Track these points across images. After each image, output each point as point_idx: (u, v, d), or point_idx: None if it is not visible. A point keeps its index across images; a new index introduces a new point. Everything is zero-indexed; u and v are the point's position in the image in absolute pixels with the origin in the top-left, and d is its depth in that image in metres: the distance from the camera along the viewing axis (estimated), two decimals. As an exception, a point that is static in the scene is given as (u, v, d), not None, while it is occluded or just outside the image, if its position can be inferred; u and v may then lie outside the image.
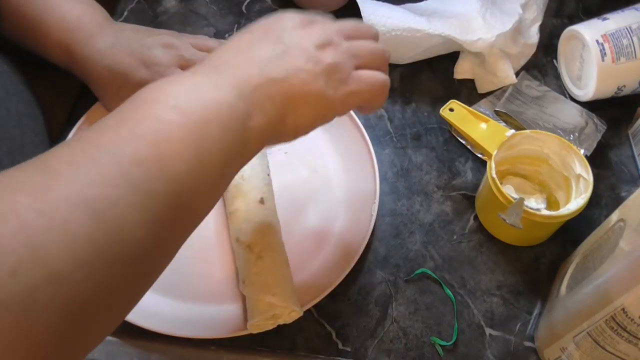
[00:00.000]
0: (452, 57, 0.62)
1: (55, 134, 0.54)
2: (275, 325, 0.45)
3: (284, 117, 0.35)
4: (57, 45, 0.51)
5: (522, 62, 0.63)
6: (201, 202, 0.32)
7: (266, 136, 0.35)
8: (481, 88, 0.61)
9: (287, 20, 0.38)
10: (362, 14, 0.58)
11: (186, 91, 0.32)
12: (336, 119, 0.59)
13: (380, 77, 0.39)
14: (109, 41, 0.51)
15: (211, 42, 0.55)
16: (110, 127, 0.29)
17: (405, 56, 0.60)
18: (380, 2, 0.61)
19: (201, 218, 0.33)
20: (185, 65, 0.52)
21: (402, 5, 0.62)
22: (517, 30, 0.60)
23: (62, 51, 0.51)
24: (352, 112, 0.56)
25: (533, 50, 0.63)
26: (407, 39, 0.58)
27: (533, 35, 0.62)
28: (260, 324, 0.45)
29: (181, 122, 0.30)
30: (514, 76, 0.60)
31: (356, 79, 0.37)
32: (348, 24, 0.40)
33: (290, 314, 0.45)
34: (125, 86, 0.51)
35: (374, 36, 0.41)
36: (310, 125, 0.37)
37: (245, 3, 0.67)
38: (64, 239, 0.25)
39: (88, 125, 0.54)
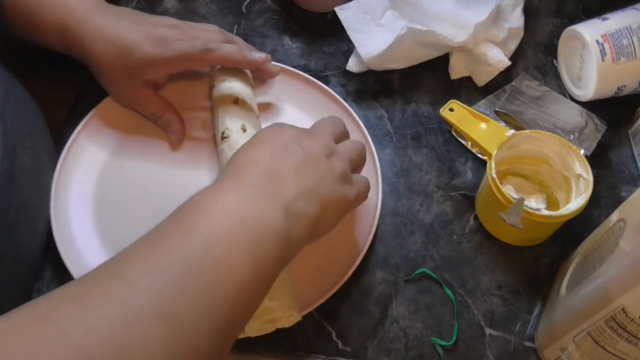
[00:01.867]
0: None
1: (56, 134, 0.54)
2: (274, 329, 0.45)
3: (320, 219, 0.39)
4: (53, 25, 0.50)
5: (512, 47, 0.63)
6: (252, 306, 0.35)
7: (304, 242, 0.39)
8: (480, 81, 0.61)
9: (291, 131, 0.42)
10: (357, 49, 0.59)
11: (238, 203, 0.35)
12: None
13: (367, 180, 0.46)
14: (111, 18, 0.51)
15: (210, 26, 0.55)
16: (175, 234, 0.33)
17: (400, 63, 0.60)
18: (367, 29, 0.60)
19: (247, 320, 0.36)
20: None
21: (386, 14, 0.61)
22: (497, 16, 0.61)
23: (58, 31, 0.50)
24: (352, 111, 0.56)
25: (521, 33, 0.63)
26: (397, 53, 0.59)
27: (517, 19, 0.62)
28: (258, 328, 0.44)
29: (239, 232, 0.34)
30: (507, 59, 0.60)
31: (358, 182, 0.44)
32: (332, 126, 0.45)
33: (289, 318, 0.44)
34: (129, 64, 0.50)
35: (347, 133, 0.47)
36: (334, 224, 0.42)
37: (245, 3, 0.67)
38: (145, 352, 0.27)
39: (98, 121, 0.54)
